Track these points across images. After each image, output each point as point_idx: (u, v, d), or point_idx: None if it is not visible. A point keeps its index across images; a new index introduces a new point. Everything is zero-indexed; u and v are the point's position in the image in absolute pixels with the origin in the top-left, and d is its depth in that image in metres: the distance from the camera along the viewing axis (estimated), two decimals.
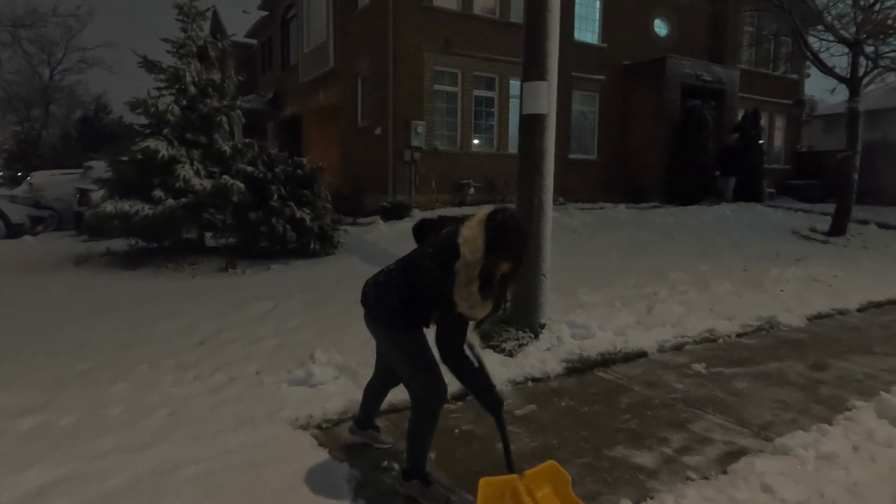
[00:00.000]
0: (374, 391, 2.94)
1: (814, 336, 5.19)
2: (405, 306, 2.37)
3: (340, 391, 3.55)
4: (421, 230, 2.63)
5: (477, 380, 2.41)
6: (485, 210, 2.27)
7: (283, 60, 20.20)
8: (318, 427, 3.22)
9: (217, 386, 3.66)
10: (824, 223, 11.26)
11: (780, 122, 19.11)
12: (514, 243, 2.20)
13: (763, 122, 16.57)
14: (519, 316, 4.75)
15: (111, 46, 38.04)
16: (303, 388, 3.63)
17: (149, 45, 8.57)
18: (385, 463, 2.82)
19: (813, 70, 11.30)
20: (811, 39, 11.04)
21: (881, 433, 3.00)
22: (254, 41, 23.74)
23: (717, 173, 14.63)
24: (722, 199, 14.42)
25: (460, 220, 2.32)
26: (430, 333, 2.44)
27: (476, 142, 13.59)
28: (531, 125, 4.67)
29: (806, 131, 23.71)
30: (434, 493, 2.48)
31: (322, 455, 2.87)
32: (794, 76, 18.98)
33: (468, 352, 2.41)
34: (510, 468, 2.40)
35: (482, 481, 2.28)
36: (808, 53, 10.72)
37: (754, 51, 17.51)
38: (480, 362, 2.47)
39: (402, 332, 2.42)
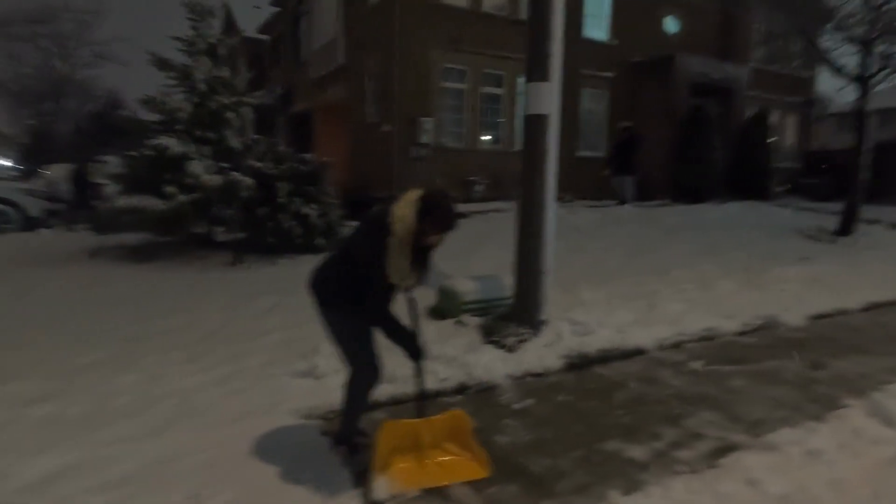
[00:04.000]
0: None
1: (813, 335, 5.22)
2: (340, 285, 2.59)
3: (343, 383, 3.65)
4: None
5: (402, 334, 2.62)
6: (413, 192, 2.50)
7: (294, 56, 20.31)
8: (323, 417, 3.32)
9: (223, 377, 3.77)
10: (832, 223, 11.22)
11: (790, 121, 18.99)
12: (444, 218, 2.47)
13: (773, 120, 16.46)
14: (519, 312, 4.84)
15: (125, 41, 38.30)
16: (307, 380, 3.74)
17: (162, 40, 8.70)
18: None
19: (824, 68, 11.21)
20: (821, 38, 10.98)
21: (869, 431, 3.06)
22: (266, 37, 23.86)
23: (607, 172, 13.11)
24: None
25: (389, 201, 2.54)
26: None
27: (483, 139, 13.64)
28: (534, 125, 4.75)
29: (818, 129, 23.54)
30: (356, 461, 2.74)
31: (324, 444, 2.97)
32: (806, 74, 18.84)
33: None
34: (420, 412, 2.74)
35: (385, 424, 2.63)
36: (818, 53, 10.67)
37: (764, 49, 17.38)
38: (415, 314, 2.71)
39: (340, 312, 2.64)
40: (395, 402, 3.50)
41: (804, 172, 18.75)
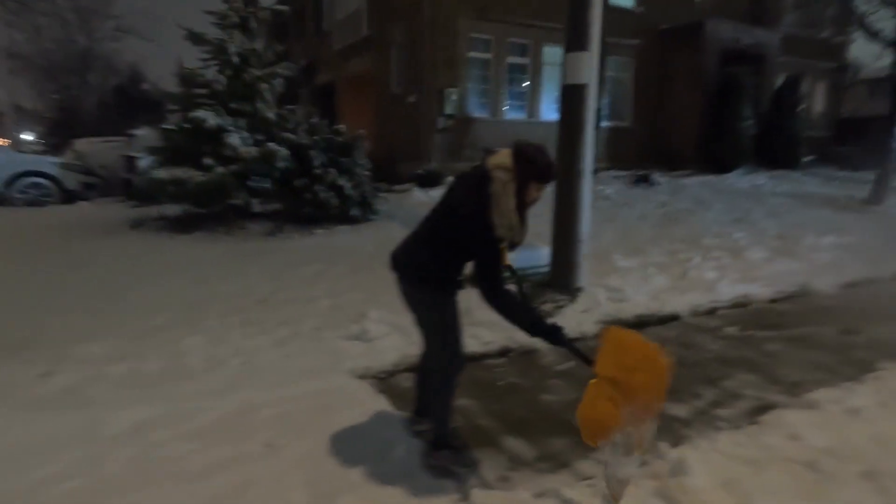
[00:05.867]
0: (426, 375, 2.82)
1: (846, 303, 5.29)
2: (437, 263, 2.39)
3: (394, 346, 3.85)
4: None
5: (523, 314, 2.39)
6: (503, 150, 2.34)
7: (317, 27, 20.23)
8: (376, 377, 3.52)
9: (281, 340, 3.99)
10: (863, 192, 11.10)
11: (822, 87, 18.57)
12: (543, 164, 2.28)
13: (804, 87, 16.11)
14: (557, 279, 4.99)
15: (146, 15, 38.40)
16: (359, 343, 3.94)
17: (183, 12, 8.81)
18: None
19: (858, 34, 10.95)
20: (857, 2, 10.71)
21: None
22: (286, 7, 23.71)
23: None
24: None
25: (480, 162, 2.38)
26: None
27: (508, 108, 13.61)
28: (572, 95, 4.80)
29: (849, 96, 22.94)
30: (465, 458, 2.60)
31: (381, 401, 3.18)
32: (839, 39, 18.33)
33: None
34: (588, 362, 2.31)
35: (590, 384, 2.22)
36: (854, 16, 10.42)
37: (797, 13, 16.91)
38: (514, 274, 2.47)
39: (437, 294, 2.45)
40: None
41: (835, 140, 18.40)
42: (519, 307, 2.41)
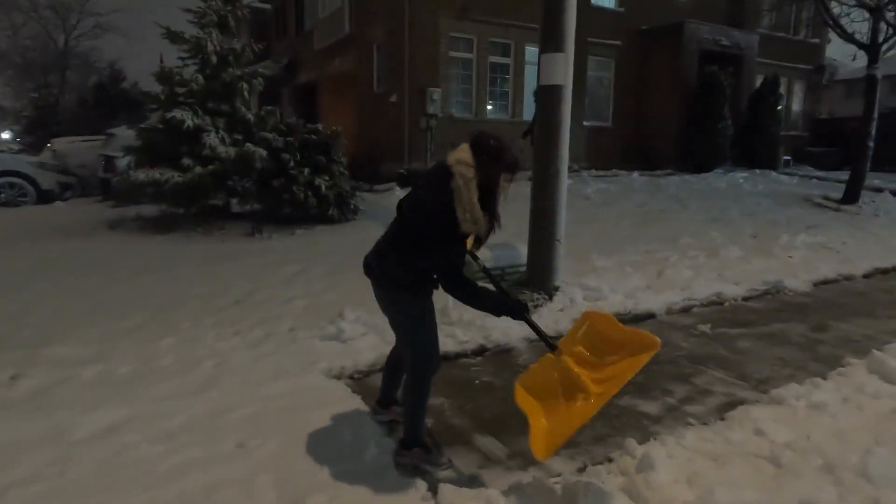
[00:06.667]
0: (393, 367, 2.93)
1: (818, 300, 5.40)
2: (408, 265, 2.40)
3: (369, 346, 3.85)
4: (401, 201, 2.61)
5: (485, 298, 2.42)
6: (462, 144, 2.37)
7: (298, 26, 20.13)
8: (351, 377, 3.53)
9: (256, 341, 3.97)
10: (838, 191, 11.31)
11: (799, 88, 18.87)
12: (501, 152, 2.32)
13: (782, 88, 16.37)
14: (534, 279, 5.02)
15: (125, 12, 37.93)
16: (334, 343, 3.94)
17: (162, 9, 8.73)
18: None
19: (834, 35, 11.13)
20: (832, 4, 10.90)
21: (870, 386, 3.24)
22: (268, 6, 23.60)
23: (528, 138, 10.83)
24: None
25: (435, 163, 2.43)
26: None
27: (491, 108, 13.66)
28: (548, 96, 4.83)
29: (826, 97, 23.33)
30: (435, 458, 2.62)
31: (356, 401, 3.18)
32: (816, 41, 18.63)
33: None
34: (551, 347, 2.41)
35: (517, 384, 2.40)
36: (829, 19, 10.61)
37: (774, 15, 17.17)
38: (487, 273, 2.64)
39: (411, 296, 2.46)
40: None
41: (811, 140, 18.71)
42: (481, 293, 2.42)
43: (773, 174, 14.26)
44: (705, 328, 4.52)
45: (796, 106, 19.02)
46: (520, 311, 2.39)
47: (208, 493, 2.35)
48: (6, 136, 36.56)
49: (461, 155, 2.31)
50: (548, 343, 2.42)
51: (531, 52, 13.24)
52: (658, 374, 3.67)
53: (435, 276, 2.43)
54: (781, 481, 2.33)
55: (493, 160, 2.30)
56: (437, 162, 2.44)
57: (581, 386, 2.25)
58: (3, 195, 10.68)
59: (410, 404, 2.59)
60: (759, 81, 15.77)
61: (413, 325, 2.51)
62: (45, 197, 11.06)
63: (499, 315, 2.44)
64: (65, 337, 3.95)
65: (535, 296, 4.86)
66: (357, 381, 3.51)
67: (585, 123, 14.53)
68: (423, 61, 12.43)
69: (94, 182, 12.64)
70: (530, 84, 13.41)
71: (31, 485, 2.36)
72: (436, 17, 12.37)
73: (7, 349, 3.75)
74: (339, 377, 3.51)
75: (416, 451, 2.60)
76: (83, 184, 12.98)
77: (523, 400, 2.36)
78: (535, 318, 4.58)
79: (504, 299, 2.46)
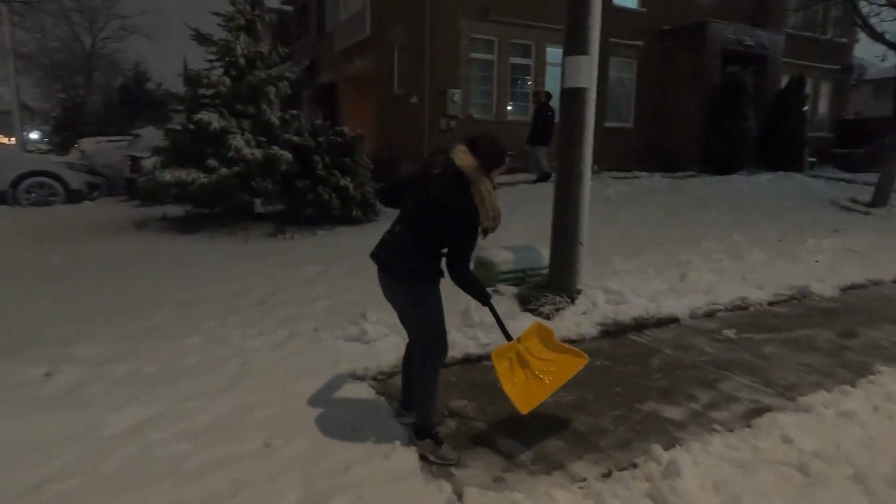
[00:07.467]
0: (411, 369, 2.98)
1: (846, 305, 5.30)
2: (420, 257, 2.55)
3: (392, 347, 3.87)
4: (391, 194, 2.83)
5: (475, 287, 2.73)
6: (459, 144, 2.61)
7: (319, 27, 20.30)
8: (374, 378, 3.55)
9: (279, 341, 4.02)
10: (866, 193, 11.08)
11: (825, 88, 18.53)
12: (498, 151, 2.61)
13: (808, 88, 16.08)
14: (556, 281, 5.00)
15: (150, 13, 38.59)
16: (357, 344, 3.96)
17: (186, 10, 8.84)
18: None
19: (863, 35, 10.91)
20: (861, 3, 10.69)
21: None
22: (289, 8, 23.84)
23: (527, 146, 11.51)
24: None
25: (436, 162, 2.61)
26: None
27: (510, 109, 13.63)
28: (572, 99, 4.81)
29: (854, 97, 22.89)
30: (445, 452, 2.68)
31: (379, 402, 3.21)
32: (843, 40, 18.29)
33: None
34: (508, 338, 2.93)
35: (493, 353, 2.88)
36: (857, 18, 10.40)
37: (800, 14, 16.87)
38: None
39: (421, 286, 2.62)
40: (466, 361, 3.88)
41: (838, 142, 18.36)
42: (477, 283, 2.77)
43: (799, 176, 14.00)
44: (730, 333, 4.47)
45: (822, 107, 18.68)
46: (488, 299, 2.79)
47: (235, 492, 2.38)
48: (34, 136, 37.39)
49: (469, 160, 2.52)
50: (506, 334, 2.94)
51: (552, 52, 13.19)
52: (682, 379, 3.64)
53: (444, 263, 2.62)
54: (810, 490, 2.30)
55: (493, 160, 2.57)
56: (439, 161, 2.60)
57: (531, 367, 2.92)
58: (33, 195, 10.93)
59: (422, 391, 2.72)
60: (784, 82, 15.51)
61: (422, 313, 2.67)
62: (73, 197, 11.29)
63: (484, 304, 2.79)
64: (94, 335, 4.04)
65: (557, 298, 4.84)
66: (380, 381, 3.53)
67: (606, 125, 14.42)
68: (443, 62, 12.45)
69: (119, 182, 12.88)
70: (551, 86, 13.35)
71: (65, 480, 2.42)
72: (457, 19, 12.38)
73: (41, 346, 3.85)
74: (362, 378, 3.53)
75: (428, 442, 2.69)
76: (109, 184, 13.23)
77: (497, 365, 2.85)
78: (557, 320, 4.59)
79: (486, 292, 2.80)
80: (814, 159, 16.12)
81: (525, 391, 2.80)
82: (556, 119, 11.01)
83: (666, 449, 2.68)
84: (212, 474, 2.49)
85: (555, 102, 12.13)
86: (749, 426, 2.95)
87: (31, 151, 20.42)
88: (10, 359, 3.64)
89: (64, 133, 25.74)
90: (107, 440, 2.74)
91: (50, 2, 19.99)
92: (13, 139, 25.61)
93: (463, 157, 2.53)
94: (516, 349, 2.92)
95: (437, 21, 12.26)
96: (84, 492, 2.36)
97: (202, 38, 7.85)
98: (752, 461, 2.56)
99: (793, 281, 5.74)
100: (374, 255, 2.71)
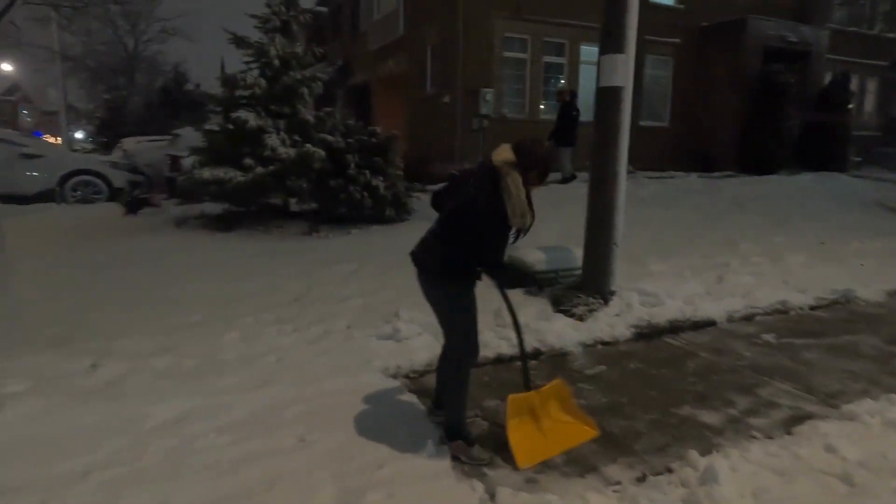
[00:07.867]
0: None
1: (892, 311, 5.12)
2: (456, 257, 2.58)
3: (424, 346, 3.89)
4: (439, 198, 2.80)
5: (511, 277, 2.83)
6: (503, 145, 2.61)
7: (353, 28, 20.49)
8: (407, 377, 3.58)
9: (314, 338, 4.08)
10: None
11: (872, 85, 17.88)
12: (542, 156, 2.63)
13: (853, 85, 15.53)
14: (589, 282, 4.95)
15: (191, 15, 39.44)
16: (390, 342, 4.00)
17: (225, 13, 9.02)
18: (470, 412, 3.13)
19: None
20: None
21: None
22: (324, 9, 24.12)
23: (549, 143, 10.47)
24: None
25: (479, 164, 2.68)
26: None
27: (543, 108, 13.52)
28: (607, 98, 4.76)
29: None
30: (476, 452, 2.69)
31: (412, 400, 3.23)
32: (892, 35, 17.61)
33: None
34: (527, 387, 2.88)
35: (509, 399, 2.76)
36: None
37: (846, 9, 16.32)
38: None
39: (456, 285, 2.64)
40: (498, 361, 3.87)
41: (885, 140, 17.69)
42: (514, 274, 2.96)
43: (843, 176, 13.53)
44: (769, 337, 4.36)
45: (869, 104, 18.04)
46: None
47: (270, 485, 2.43)
48: (80, 136, 38.70)
49: (506, 155, 2.52)
50: (526, 381, 2.90)
51: (586, 51, 13.04)
52: (719, 383, 3.57)
53: (478, 264, 2.64)
54: (855, 501, 2.23)
55: (532, 159, 2.54)
56: (480, 162, 2.67)
57: (542, 425, 2.84)
58: (79, 192, 11.31)
59: (452, 392, 2.76)
60: (828, 79, 15.02)
61: (456, 312, 2.69)
62: (116, 195, 11.63)
63: (509, 286, 2.85)
64: (135, 330, 4.16)
65: (591, 300, 4.79)
66: (413, 380, 3.56)
67: (641, 123, 14.19)
68: (476, 62, 12.43)
69: (159, 180, 13.22)
70: (585, 84, 13.21)
71: (110, 469, 2.51)
72: (490, 18, 12.35)
73: (86, 339, 3.99)
74: (395, 376, 3.56)
75: (459, 443, 2.71)
76: (150, 182, 13.58)
77: (509, 413, 2.74)
78: (590, 322, 4.54)
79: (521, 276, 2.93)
80: (859, 159, 15.56)
81: (530, 446, 2.70)
82: (580, 119, 10.91)
83: (703, 454, 2.64)
84: (248, 468, 2.54)
85: (586, 101, 12.12)
86: (790, 433, 2.88)
87: (76, 151, 21.15)
88: (58, 350, 3.79)
89: (107, 133, 26.53)
90: (148, 432, 2.83)
91: (96, 6, 20.61)
92: (60, 139, 26.60)
93: (501, 153, 2.55)
94: (533, 404, 2.86)
95: (469, 20, 12.25)
96: (127, 481, 2.44)
97: (239, 41, 8.00)
98: (793, 469, 2.49)
99: (836, 285, 5.56)
100: (413, 254, 2.76)
